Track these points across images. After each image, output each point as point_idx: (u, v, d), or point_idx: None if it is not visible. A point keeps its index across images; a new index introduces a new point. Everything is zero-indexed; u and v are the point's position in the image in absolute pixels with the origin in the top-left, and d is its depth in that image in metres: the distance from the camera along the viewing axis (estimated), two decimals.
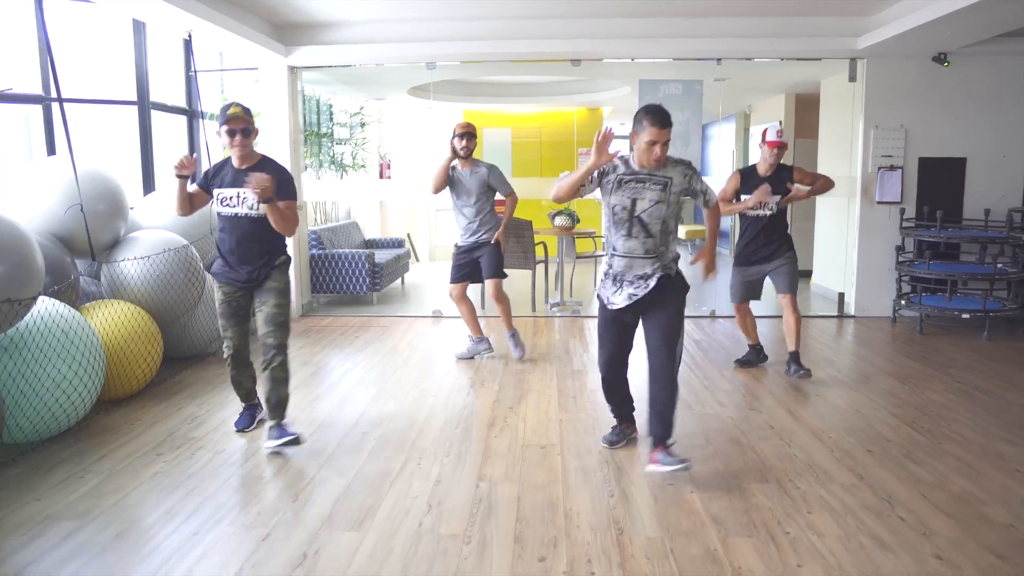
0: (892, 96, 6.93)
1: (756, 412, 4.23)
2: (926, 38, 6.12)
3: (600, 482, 3.27)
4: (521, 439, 3.81)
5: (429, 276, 10.45)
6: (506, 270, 7.54)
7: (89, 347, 3.85)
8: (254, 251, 3.67)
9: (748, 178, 4.91)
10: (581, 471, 3.39)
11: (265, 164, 3.65)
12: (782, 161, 4.92)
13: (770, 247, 4.95)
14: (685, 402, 4.30)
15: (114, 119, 6.38)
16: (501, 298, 5.41)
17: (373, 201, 11.04)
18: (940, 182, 7.03)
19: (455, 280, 5.48)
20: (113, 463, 3.49)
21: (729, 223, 11.10)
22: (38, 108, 5.31)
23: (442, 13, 6.46)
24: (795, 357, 4.95)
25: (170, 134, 7.04)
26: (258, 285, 3.72)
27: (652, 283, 3.30)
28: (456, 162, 5.32)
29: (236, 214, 3.63)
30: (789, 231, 5.07)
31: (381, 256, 8.05)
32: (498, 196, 5.38)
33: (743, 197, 4.89)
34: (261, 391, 3.77)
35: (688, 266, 4.16)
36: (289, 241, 3.75)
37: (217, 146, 7.76)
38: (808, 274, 8.52)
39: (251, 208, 3.61)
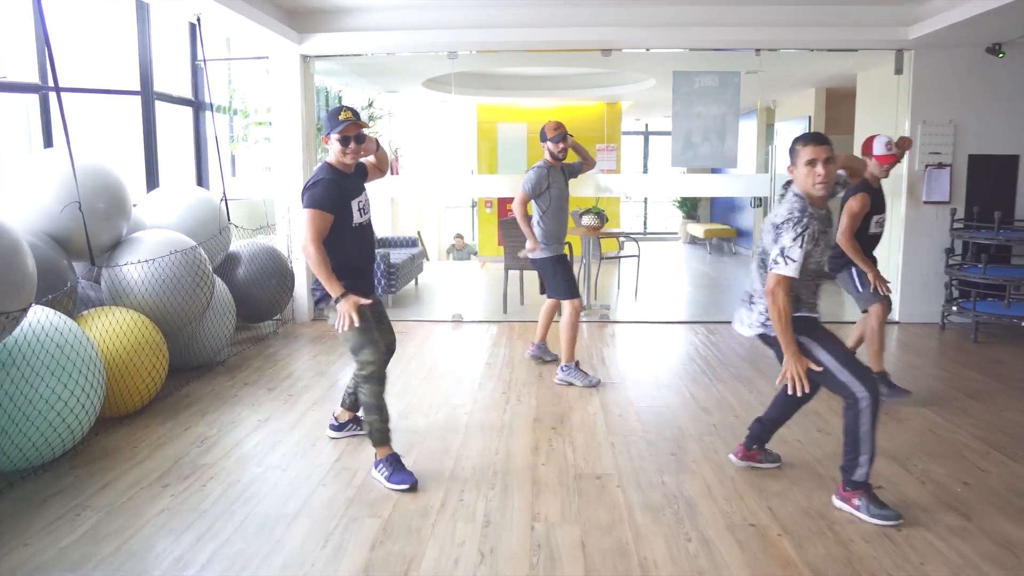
0: (941, 89, 6.50)
1: (825, 435, 3.82)
2: (982, 27, 5.70)
3: (672, 522, 2.86)
4: (572, 467, 3.40)
5: (441, 276, 10.04)
6: (534, 273, 7.20)
7: (87, 362, 3.43)
8: (373, 260, 3.57)
9: (873, 196, 4.33)
10: (648, 509, 2.98)
11: (358, 165, 3.49)
12: None
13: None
14: (742, 420, 3.89)
15: (116, 110, 5.97)
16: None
17: (384, 198, 10.62)
18: (991, 181, 6.62)
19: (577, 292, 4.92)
20: (114, 496, 3.08)
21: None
22: (36, 98, 4.89)
23: (463, 0, 6.05)
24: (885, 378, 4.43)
25: (176, 126, 6.63)
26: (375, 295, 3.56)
27: None
28: (550, 167, 4.84)
29: (366, 223, 3.44)
30: None
31: (396, 256, 7.64)
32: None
33: (874, 219, 4.37)
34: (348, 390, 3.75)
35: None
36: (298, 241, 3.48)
37: (226, 141, 7.36)
38: None
39: (368, 213, 3.48)
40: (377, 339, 3.28)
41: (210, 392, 4.56)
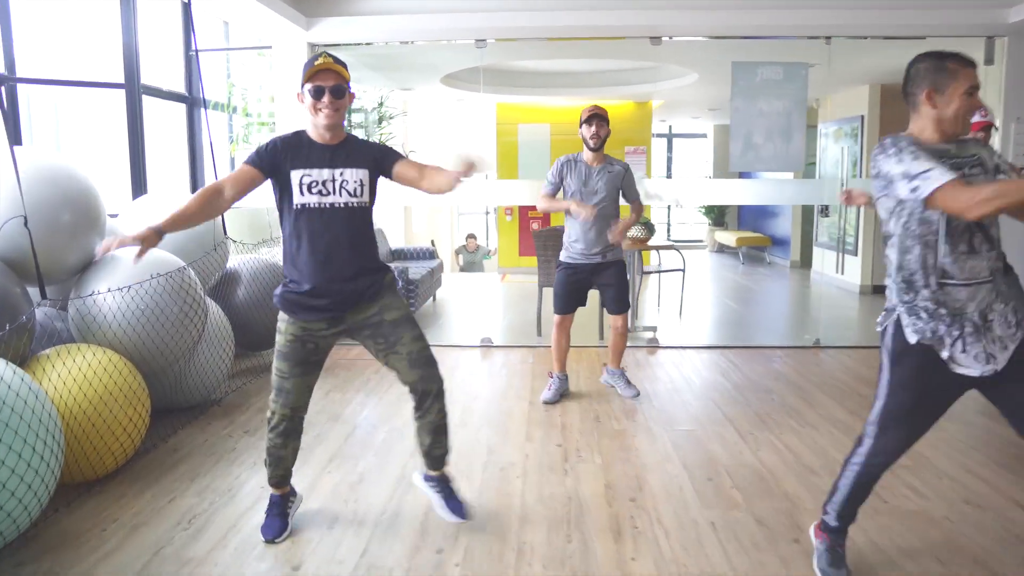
0: None
1: (978, 508, 3.01)
2: None
3: None
4: (671, 561, 2.60)
5: (460, 290, 9.25)
6: None
7: (38, 419, 2.63)
8: (352, 261, 2.61)
9: None
10: None
11: (354, 141, 2.70)
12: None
13: None
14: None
15: (103, 107, 5.19)
16: (625, 334, 4.47)
17: (397, 206, 9.82)
18: None
19: (569, 309, 4.39)
20: None
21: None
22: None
23: None
24: None
25: (167, 124, 5.85)
26: (361, 317, 2.65)
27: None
28: (581, 155, 4.29)
29: (332, 206, 2.57)
30: None
31: (415, 270, 6.85)
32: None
33: None
34: (420, 444, 2.83)
35: None
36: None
37: (224, 142, 6.57)
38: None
39: (354, 195, 2.59)
40: (286, 388, 2.65)
41: (202, 444, 3.75)
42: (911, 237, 2.11)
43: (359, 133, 8.07)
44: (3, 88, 4.11)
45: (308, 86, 2.52)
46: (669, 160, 14.31)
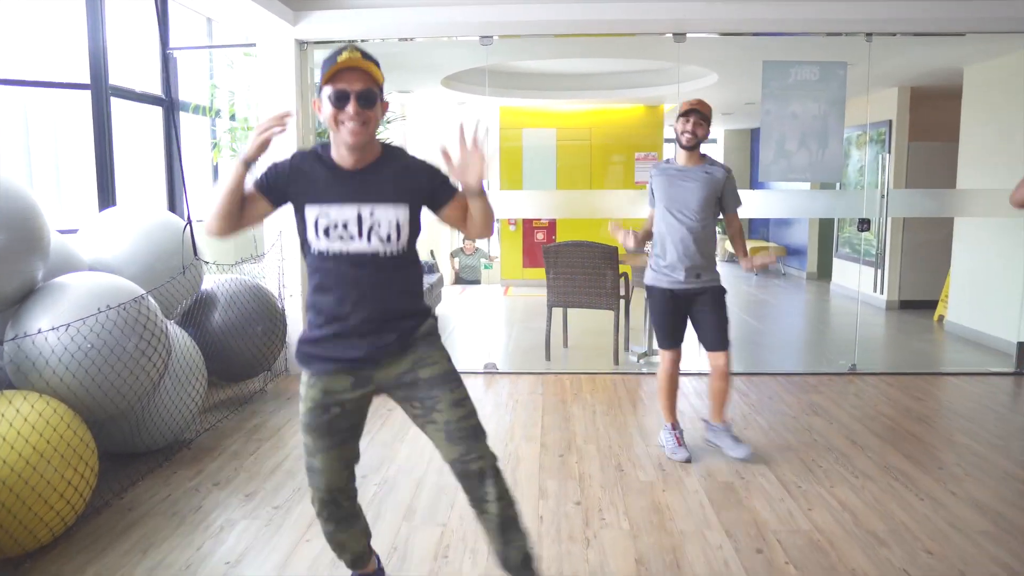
0: None
1: None
2: None
3: None
4: None
5: (460, 305, 8.72)
6: (581, 310, 5.84)
7: None
8: (385, 310, 2.04)
9: None
10: None
11: (393, 161, 2.06)
12: None
13: None
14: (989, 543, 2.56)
15: (70, 110, 4.68)
16: (728, 376, 3.70)
17: None
18: None
19: (678, 340, 3.70)
20: None
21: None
22: None
23: None
24: None
25: (144, 130, 5.33)
26: (392, 374, 2.08)
27: None
28: (673, 159, 3.70)
29: (360, 254, 1.98)
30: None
31: None
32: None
33: None
34: (489, 544, 2.17)
35: None
36: (297, 275, 2.16)
37: (207, 148, 6.05)
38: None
39: (387, 241, 1.98)
40: (315, 467, 2.10)
41: (163, 500, 3.22)
42: None
43: None
44: None
45: (328, 90, 1.91)
46: None
